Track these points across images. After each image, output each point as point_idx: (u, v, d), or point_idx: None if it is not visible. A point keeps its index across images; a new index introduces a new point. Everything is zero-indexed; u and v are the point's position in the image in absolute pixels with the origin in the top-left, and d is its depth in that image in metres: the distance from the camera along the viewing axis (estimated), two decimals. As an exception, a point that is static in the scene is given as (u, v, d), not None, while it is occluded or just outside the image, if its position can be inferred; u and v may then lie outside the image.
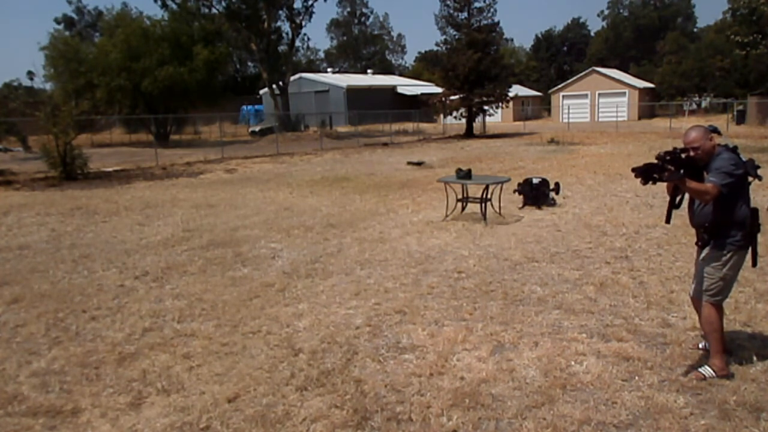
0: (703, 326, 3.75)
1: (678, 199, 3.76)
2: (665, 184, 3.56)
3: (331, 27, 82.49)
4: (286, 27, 38.12)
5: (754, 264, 3.62)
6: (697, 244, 3.71)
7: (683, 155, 3.55)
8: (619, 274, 5.74)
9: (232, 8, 34.59)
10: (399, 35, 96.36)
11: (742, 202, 3.50)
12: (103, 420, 3.36)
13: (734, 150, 3.52)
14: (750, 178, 3.53)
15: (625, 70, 54.70)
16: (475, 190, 9.31)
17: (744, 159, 3.50)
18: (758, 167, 3.57)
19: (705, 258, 3.64)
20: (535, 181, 9.69)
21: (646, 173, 3.51)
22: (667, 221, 3.88)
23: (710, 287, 3.60)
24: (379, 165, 17.96)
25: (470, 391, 3.50)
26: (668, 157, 3.50)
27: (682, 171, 3.47)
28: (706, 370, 3.60)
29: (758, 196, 9.93)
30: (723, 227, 3.53)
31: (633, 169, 3.58)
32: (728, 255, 3.53)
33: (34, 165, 17.84)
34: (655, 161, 3.52)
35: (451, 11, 31.63)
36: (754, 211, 3.53)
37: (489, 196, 8.52)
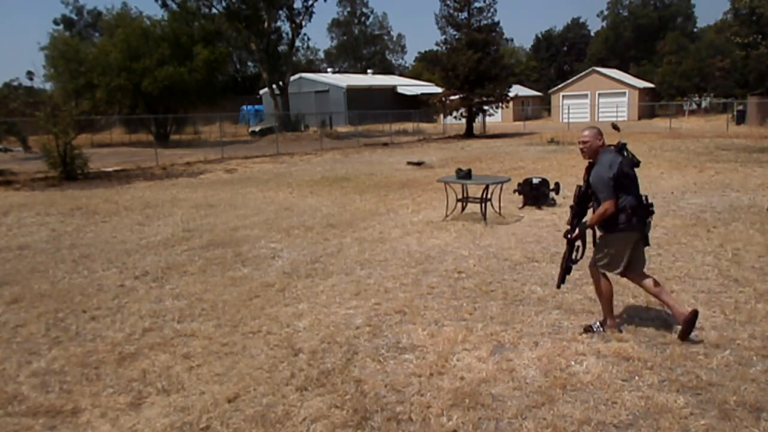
0: (596, 292, 4.41)
1: (577, 253, 4.30)
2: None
3: (331, 27, 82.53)
4: (286, 27, 38.14)
5: (647, 243, 4.22)
6: (599, 228, 4.27)
7: (575, 202, 4.27)
8: (619, 274, 5.74)
9: (232, 8, 34.57)
10: (399, 35, 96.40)
11: (624, 193, 4.06)
12: (103, 420, 3.36)
13: (621, 150, 4.09)
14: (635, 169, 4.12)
15: (625, 70, 54.70)
16: (475, 190, 9.30)
17: (625, 157, 4.06)
18: (637, 163, 4.13)
19: (600, 238, 4.28)
20: (535, 181, 9.68)
21: (568, 269, 4.39)
22: (558, 286, 4.55)
23: (599, 259, 4.27)
24: (379, 165, 17.96)
25: (470, 391, 3.50)
26: (572, 235, 4.23)
27: (585, 221, 4.22)
28: (595, 324, 4.31)
29: (758, 197, 9.94)
30: (612, 216, 4.07)
31: (558, 286, 4.50)
32: (613, 236, 4.16)
33: (34, 165, 17.84)
34: (569, 239, 4.26)
35: (451, 11, 31.62)
36: (640, 200, 4.11)
37: (489, 196, 8.52)
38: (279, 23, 37.43)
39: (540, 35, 76.34)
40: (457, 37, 31.78)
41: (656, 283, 4.20)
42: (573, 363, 3.83)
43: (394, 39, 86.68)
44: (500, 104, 32.42)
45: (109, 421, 3.34)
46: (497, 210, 8.88)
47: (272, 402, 3.47)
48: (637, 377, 3.61)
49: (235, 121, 42.93)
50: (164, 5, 33.56)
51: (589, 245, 4.31)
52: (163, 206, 11.01)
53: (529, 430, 3.09)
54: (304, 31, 53.92)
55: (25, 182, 15.34)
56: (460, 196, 8.86)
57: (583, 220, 4.28)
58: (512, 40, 79.30)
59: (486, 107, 32.70)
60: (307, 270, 6.26)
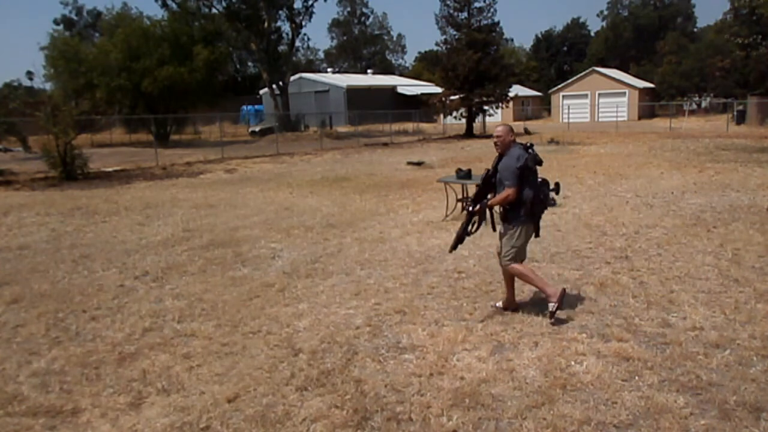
0: (522, 280, 4.73)
1: (470, 228, 4.75)
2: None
3: (331, 27, 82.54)
4: (286, 27, 38.16)
5: (537, 235, 4.73)
6: (501, 219, 4.76)
7: (476, 195, 4.76)
8: (619, 274, 5.74)
9: (232, 8, 34.59)
10: (399, 35, 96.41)
11: (526, 186, 4.50)
12: (103, 420, 3.36)
13: (527, 149, 4.56)
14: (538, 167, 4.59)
15: (625, 70, 54.69)
16: (475, 190, 9.29)
17: (530, 154, 4.52)
18: (540, 162, 4.60)
19: (503, 232, 4.71)
20: (535, 181, 9.67)
21: (462, 237, 4.73)
22: (451, 250, 4.87)
23: (507, 254, 4.64)
24: (379, 165, 17.96)
25: (470, 391, 3.50)
26: (473, 208, 4.68)
27: (490, 172, 4.68)
28: (550, 307, 4.48)
29: (758, 197, 9.94)
30: (514, 207, 4.55)
31: (451, 250, 4.82)
32: (516, 229, 4.59)
33: (34, 165, 17.84)
34: (469, 211, 4.72)
35: (451, 11, 31.62)
36: (536, 195, 4.56)
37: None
38: (279, 23, 37.49)
39: (540, 35, 76.38)
40: (457, 37, 31.79)
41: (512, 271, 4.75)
42: (573, 363, 3.83)
43: (394, 39, 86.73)
44: (500, 104, 32.42)
45: (109, 421, 3.34)
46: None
47: (272, 402, 3.47)
48: (637, 377, 3.61)
49: (235, 121, 42.94)
50: (164, 5, 33.61)
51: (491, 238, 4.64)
52: (163, 206, 11.01)
53: (529, 430, 3.09)
54: (304, 31, 53.98)
55: (25, 182, 15.34)
56: (460, 196, 8.86)
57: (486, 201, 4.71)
58: (512, 40, 79.41)
59: (486, 107, 32.70)
60: (307, 270, 6.26)
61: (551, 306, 4.47)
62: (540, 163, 4.61)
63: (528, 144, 4.64)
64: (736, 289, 5.20)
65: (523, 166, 4.45)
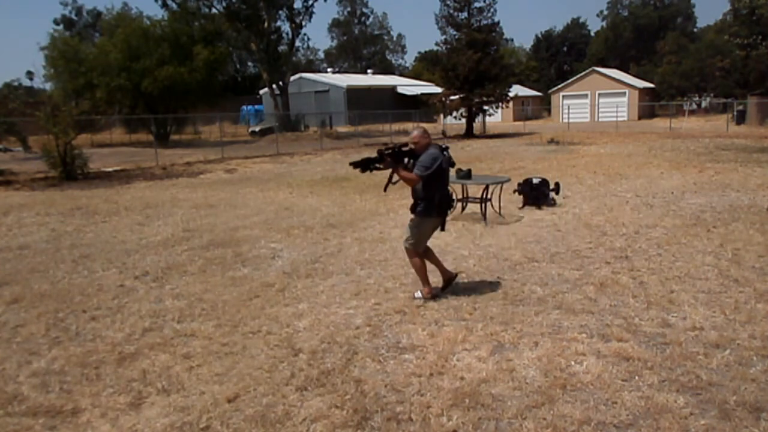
0: (412, 265, 5.25)
1: (395, 178, 5.06)
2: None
3: (331, 27, 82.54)
4: (286, 27, 38.16)
5: (443, 229, 5.24)
6: (411, 210, 5.14)
7: (404, 149, 5.00)
8: (619, 274, 5.74)
9: (232, 8, 34.59)
10: (399, 35, 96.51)
11: (436, 185, 4.96)
12: (103, 420, 3.36)
13: (443, 150, 5.01)
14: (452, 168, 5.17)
15: (625, 70, 54.71)
16: (475, 190, 9.30)
17: (444, 156, 4.96)
18: (453, 164, 5.20)
19: (411, 219, 5.15)
20: (535, 181, 9.68)
21: (365, 164, 4.96)
22: (384, 190, 5.35)
23: (409, 238, 5.12)
24: (379, 165, 17.94)
25: (470, 391, 3.50)
26: (388, 151, 4.91)
27: (408, 161, 4.97)
28: (418, 293, 5.14)
29: (758, 197, 9.94)
30: (423, 200, 4.98)
31: (351, 163, 5.07)
32: (421, 219, 5.06)
33: (34, 165, 17.84)
34: (376, 155, 4.91)
35: (451, 11, 31.62)
36: (446, 194, 5.07)
37: (489, 196, 8.51)
38: (279, 23, 37.49)
39: (540, 35, 76.43)
40: (457, 37, 31.79)
41: (431, 253, 5.32)
42: (573, 363, 3.83)
43: (394, 39, 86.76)
44: (500, 104, 32.43)
45: (109, 421, 3.34)
46: (497, 210, 8.88)
47: (272, 402, 3.47)
48: (637, 377, 3.61)
49: (235, 121, 42.95)
50: (164, 5, 33.59)
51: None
52: (163, 206, 11.01)
53: (529, 430, 3.09)
54: (304, 31, 53.92)
55: (25, 182, 15.34)
56: (460, 196, 8.86)
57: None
58: (512, 40, 79.43)
59: (486, 107, 32.70)
60: (307, 270, 6.26)
61: (417, 293, 5.14)
62: (453, 164, 5.19)
63: (444, 146, 5.14)
64: (736, 289, 5.20)
65: (438, 165, 4.89)
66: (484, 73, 30.57)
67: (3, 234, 8.76)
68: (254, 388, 3.64)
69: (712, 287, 5.26)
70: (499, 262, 6.32)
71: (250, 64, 60.83)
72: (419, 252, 5.14)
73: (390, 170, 4.97)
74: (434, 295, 5.16)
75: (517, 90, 38.37)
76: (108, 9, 64.29)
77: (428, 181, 4.89)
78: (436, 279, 5.36)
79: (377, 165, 4.93)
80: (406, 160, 4.98)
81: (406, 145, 5.03)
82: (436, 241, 7.34)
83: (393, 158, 4.91)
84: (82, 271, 6.55)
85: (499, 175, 12.38)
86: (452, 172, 10.11)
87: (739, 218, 8.17)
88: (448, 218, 5.25)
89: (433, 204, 4.98)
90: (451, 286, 5.30)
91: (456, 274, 5.42)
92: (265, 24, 35.40)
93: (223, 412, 3.38)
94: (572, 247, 6.90)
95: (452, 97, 31.74)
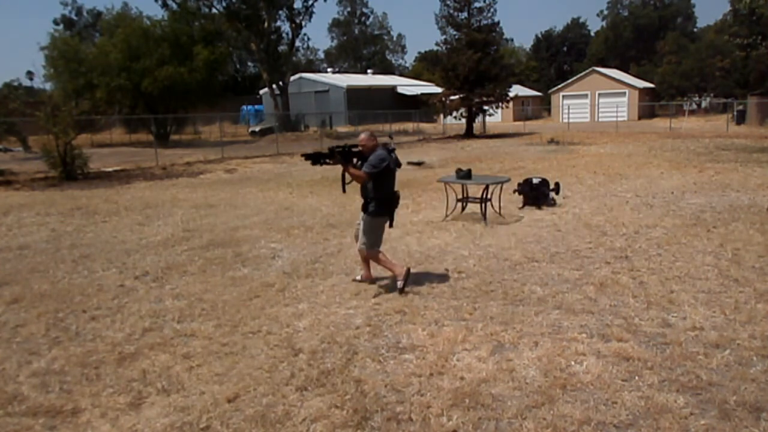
0: (380, 265, 5.51)
1: (348, 179, 5.32)
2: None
3: (331, 27, 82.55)
4: (286, 27, 38.20)
5: (391, 225, 5.50)
6: (362, 209, 5.41)
7: (354, 149, 5.31)
8: (619, 274, 5.74)
9: (232, 8, 34.61)
10: (399, 35, 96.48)
11: (384, 185, 5.27)
12: (103, 420, 3.36)
13: (390, 151, 5.31)
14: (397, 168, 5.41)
15: (625, 70, 54.70)
16: (475, 190, 9.30)
17: (392, 157, 5.27)
18: (399, 164, 5.47)
19: (362, 220, 5.40)
20: (535, 181, 9.68)
21: (315, 158, 5.30)
22: (343, 191, 5.52)
23: (365, 241, 5.38)
24: (379, 165, 17.93)
25: (470, 391, 3.50)
26: (338, 149, 5.26)
27: (357, 161, 5.29)
28: (398, 285, 5.30)
29: (758, 197, 9.94)
30: (373, 200, 5.27)
31: (303, 155, 5.46)
32: (372, 218, 5.32)
33: (34, 165, 17.84)
34: (327, 151, 5.28)
35: (451, 11, 31.62)
36: (393, 193, 5.39)
37: (489, 196, 8.51)
38: (279, 23, 37.52)
39: (540, 35, 76.42)
40: (457, 37, 31.78)
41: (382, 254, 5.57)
42: (573, 363, 3.83)
43: (394, 39, 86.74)
44: (500, 104, 32.42)
45: (109, 421, 3.34)
46: (497, 210, 8.88)
47: (272, 402, 3.47)
48: (637, 377, 3.61)
49: (235, 121, 42.96)
50: (164, 5, 33.62)
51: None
52: (163, 206, 11.01)
53: (529, 430, 3.09)
54: (304, 31, 53.93)
55: (25, 182, 15.34)
56: (460, 196, 8.86)
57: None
58: (512, 40, 79.43)
59: (486, 107, 32.70)
60: (307, 270, 6.26)
61: (399, 284, 5.31)
62: (399, 165, 5.47)
63: (391, 147, 5.42)
64: (736, 289, 5.20)
65: (386, 166, 5.20)
66: (484, 73, 30.57)
67: (3, 234, 8.76)
68: (254, 388, 3.64)
69: (712, 287, 5.26)
70: (499, 262, 6.32)
71: (250, 64, 60.87)
72: (376, 250, 5.44)
73: (343, 171, 5.31)
74: (375, 279, 5.65)
75: (517, 90, 38.38)
76: (108, 9, 64.24)
77: (378, 181, 5.22)
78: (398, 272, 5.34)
79: (327, 160, 5.28)
80: (355, 160, 5.34)
81: (356, 146, 5.35)
82: (436, 241, 7.36)
83: (342, 156, 5.25)
84: (82, 271, 6.55)
85: (499, 175, 12.38)
86: (452, 172, 10.23)
87: (739, 218, 8.17)
88: (395, 216, 5.58)
89: (382, 202, 5.32)
90: (368, 282, 5.66)
91: (374, 279, 5.69)
92: (265, 24, 35.41)
93: (223, 412, 3.38)
94: (572, 247, 6.90)
95: (452, 97, 31.74)
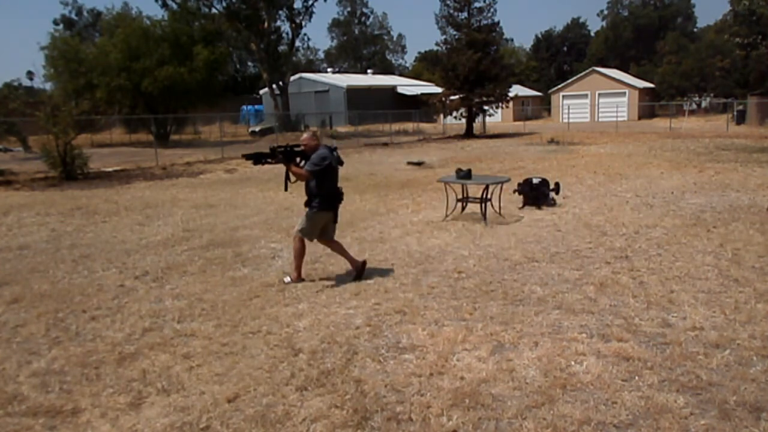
0: (294, 250, 5.76)
1: (292, 178, 5.57)
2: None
3: (331, 27, 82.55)
4: (286, 27, 38.15)
5: (335, 221, 5.80)
6: (305, 204, 5.64)
7: (296, 149, 5.54)
8: (619, 274, 5.74)
9: (232, 8, 34.58)
10: (399, 35, 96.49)
11: (327, 182, 5.53)
12: (103, 420, 3.36)
13: (331, 150, 5.53)
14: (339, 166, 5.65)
15: (625, 70, 54.70)
16: (475, 190, 9.30)
17: (334, 156, 5.50)
18: (341, 162, 5.68)
19: (306, 212, 5.64)
20: (535, 181, 9.68)
21: (257, 157, 5.49)
22: (285, 189, 5.71)
23: (302, 228, 5.64)
24: (379, 165, 17.96)
25: (470, 391, 3.49)
26: (280, 149, 5.47)
27: (301, 160, 5.51)
28: (287, 279, 5.77)
29: (758, 197, 9.94)
30: (316, 196, 5.53)
31: (243, 155, 5.68)
32: (314, 212, 5.58)
33: (34, 165, 17.83)
34: (268, 150, 5.49)
35: (451, 11, 31.63)
36: (336, 189, 5.63)
37: (489, 196, 8.52)
38: (279, 23, 37.47)
39: (540, 35, 76.42)
40: (457, 37, 31.79)
41: (339, 244, 5.90)
42: (573, 363, 3.83)
43: (394, 39, 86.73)
44: (500, 104, 32.42)
45: (109, 421, 3.34)
46: (497, 210, 8.88)
47: (272, 402, 3.47)
48: (637, 377, 3.61)
49: (235, 121, 42.94)
50: (164, 5, 33.56)
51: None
52: (163, 206, 11.01)
53: (529, 430, 3.09)
54: (304, 31, 53.88)
55: (25, 182, 15.34)
56: (460, 196, 8.86)
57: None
58: (512, 40, 79.43)
59: (486, 107, 32.70)
60: (307, 270, 6.25)
61: (287, 279, 5.76)
62: (341, 163, 5.69)
63: (333, 146, 5.69)
64: (736, 289, 5.20)
65: (328, 163, 5.43)
66: (484, 73, 30.57)
67: (3, 234, 8.76)
68: (254, 388, 3.64)
69: (712, 287, 5.26)
70: (499, 262, 6.32)
71: (250, 64, 60.84)
72: (304, 241, 5.71)
73: (286, 170, 5.52)
74: (302, 279, 5.79)
75: (517, 90, 38.37)
76: (108, 9, 64.38)
77: (320, 179, 5.46)
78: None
79: (268, 159, 5.46)
80: (298, 160, 5.54)
81: (298, 145, 5.58)
82: (436, 241, 7.36)
83: (284, 156, 5.45)
84: (82, 271, 6.55)
85: (499, 175, 12.39)
86: (452, 172, 10.25)
87: (739, 218, 8.17)
88: (338, 213, 5.84)
89: (325, 199, 5.55)
90: (364, 272, 5.80)
91: (364, 261, 5.91)
92: (265, 24, 35.38)
93: (223, 412, 3.38)
94: (572, 247, 6.90)
95: (452, 97, 31.74)
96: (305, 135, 5.62)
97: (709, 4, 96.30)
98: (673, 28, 64.58)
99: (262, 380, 3.74)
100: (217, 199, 11.76)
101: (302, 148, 5.54)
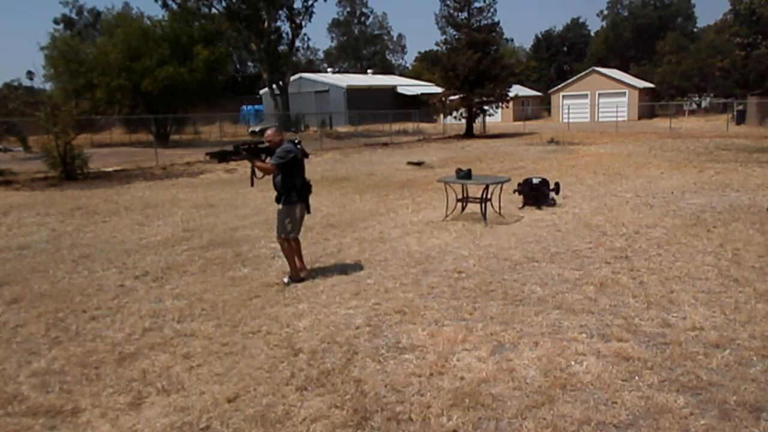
0: (283, 253, 5.89)
1: (258, 174, 5.72)
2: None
3: (331, 27, 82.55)
4: (286, 27, 38.15)
5: (308, 211, 5.91)
6: (276, 201, 5.78)
7: (260, 146, 5.61)
8: (619, 274, 5.74)
9: (232, 8, 34.58)
10: (399, 35, 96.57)
11: (295, 174, 5.60)
12: (103, 420, 3.36)
13: (295, 144, 5.63)
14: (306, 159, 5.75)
15: (625, 70, 54.70)
16: (475, 190, 9.30)
17: (298, 149, 5.59)
18: (307, 155, 5.79)
19: (279, 211, 5.74)
20: (535, 181, 9.68)
21: (221, 155, 5.56)
22: (251, 185, 5.93)
23: (283, 229, 5.70)
24: (379, 165, 17.96)
25: (470, 391, 3.50)
26: (245, 146, 5.51)
27: (266, 157, 5.60)
28: (287, 279, 5.74)
29: (758, 197, 9.94)
30: (286, 190, 5.63)
31: (207, 153, 5.71)
32: (288, 207, 5.67)
33: (34, 165, 17.83)
34: (232, 148, 5.52)
35: (451, 11, 31.60)
36: (305, 181, 5.71)
37: (489, 196, 8.51)
38: (279, 23, 37.47)
39: (540, 35, 76.37)
40: (457, 37, 31.77)
41: (297, 243, 5.90)
42: (573, 363, 3.83)
43: (394, 39, 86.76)
44: (500, 104, 32.41)
45: (109, 421, 3.34)
46: (497, 210, 8.88)
47: (272, 402, 3.47)
48: (637, 377, 3.61)
49: (235, 121, 42.94)
50: (164, 5, 33.57)
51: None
52: (163, 206, 11.01)
53: (529, 430, 3.09)
54: (304, 31, 53.87)
55: (25, 182, 15.34)
56: (460, 196, 8.86)
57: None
58: (512, 40, 79.44)
59: (486, 107, 32.69)
60: (307, 270, 6.25)
61: (286, 279, 5.75)
62: (307, 155, 5.79)
63: (296, 140, 5.77)
64: (736, 289, 5.20)
65: (293, 157, 5.53)
66: (484, 73, 30.56)
67: (3, 234, 8.76)
68: (254, 388, 3.64)
69: (712, 287, 5.26)
70: (499, 262, 6.32)
71: (250, 64, 60.87)
72: (290, 240, 5.77)
73: (252, 166, 5.64)
74: (303, 278, 5.77)
75: (517, 90, 38.36)
76: (108, 9, 64.41)
77: (287, 172, 5.56)
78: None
79: (233, 157, 5.55)
80: (264, 156, 5.63)
81: (262, 143, 5.65)
82: (436, 241, 7.36)
83: (249, 152, 5.52)
84: (82, 271, 6.55)
85: (499, 175, 12.39)
86: (452, 172, 10.25)
87: (739, 218, 8.17)
88: (310, 204, 5.96)
89: (294, 191, 5.65)
90: (300, 282, 5.78)
91: (306, 276, 5.87)
92: (265, 24, 35.39)
93: (223, 412, 3.38)
94: (572, 247, 6.90)
95: (452, 97, 31.73)
96: (269, 131, 5.70)
97: (709, 4, 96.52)
98: (673, 28, 64.59)
99: (262, 380, 3.74)
100: (217, 199, 11.77)
101: (266, 144, 5.63)
